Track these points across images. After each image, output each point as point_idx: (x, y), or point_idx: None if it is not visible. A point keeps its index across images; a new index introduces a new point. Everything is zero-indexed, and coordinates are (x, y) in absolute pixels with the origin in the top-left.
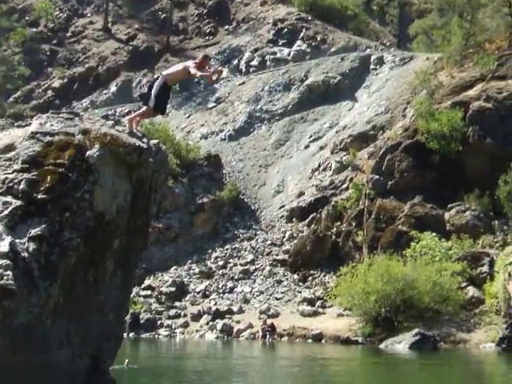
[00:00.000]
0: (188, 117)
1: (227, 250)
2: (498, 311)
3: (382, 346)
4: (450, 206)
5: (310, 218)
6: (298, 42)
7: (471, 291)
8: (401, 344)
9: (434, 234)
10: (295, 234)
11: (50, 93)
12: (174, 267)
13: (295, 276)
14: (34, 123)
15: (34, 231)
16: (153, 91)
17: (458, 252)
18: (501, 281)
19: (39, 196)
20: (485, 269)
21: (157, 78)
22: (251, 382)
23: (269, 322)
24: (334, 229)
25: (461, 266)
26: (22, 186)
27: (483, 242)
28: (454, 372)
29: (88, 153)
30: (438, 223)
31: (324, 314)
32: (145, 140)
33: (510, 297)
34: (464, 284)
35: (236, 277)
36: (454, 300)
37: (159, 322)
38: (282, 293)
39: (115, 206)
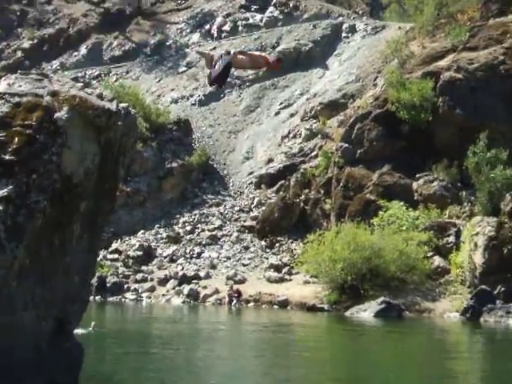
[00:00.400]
0: (158, 81)
1: (195, 215)
2: (463, 281)
3: (347, 313)
4: (418, 175)
5: (278, 184)
6: (271, 9)
7: (437, 261)
8: (366, 312)
9: (402, 203)
10: (263, 201)
11: (19, 53)
12: (142, 231)
13: (262, 242)
14: (2, 84)
15: (0, 192)
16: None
17: (424, 222)
18: (467, 251)
19: (6, 157)
20: (451, 239)
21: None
22: (217, 347)
23: (235, 287)
24: (303, 196)
25: (427, 236)
26: None
27: (450, 213)
28: (418, 340)
29: (56, 115)
30: (405, 193)
31: (290, 280)
32: (114, 103)
33: (475, 267)
34: (430, 254)
35: (203, 242)
36: (420, 269)
37: (126, 286)
38: (249, 259)
39: (83, 169)
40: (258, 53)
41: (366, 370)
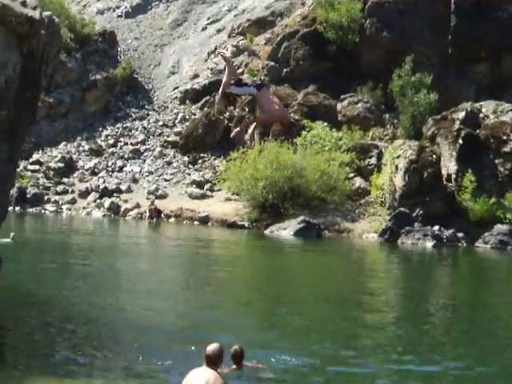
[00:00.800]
0: None
1: (118, 128)
2: (382, 203)
3: (267, 231)
4: (342, 96)
5: (203, 101)
6: None
7: (358, 182)
8: (286, 230)
9: (326, 123)
10: (187, 117)
11: None
12: (64, 143)
13: (185, 158)
14: None
15: None
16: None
17: (347, 143)
18: (387, 173)
19: None
20: (373, 161)
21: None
22: (137, 261)
23: (155, 205)
24: (227, 113)
25: (349, 157)
26: None
27: (373, 135)
28: (337, 259)
29: None
30: (330, 113)
31: (212, 197)
32: (38, 11)
33: (395, 189)
34: (351, 175)
35: (126, 156)
36: (341, 190)
37: (46, 198)
38: (172, 174)
39: (4, 78)
40: (280, 108)
41: (285, 287)
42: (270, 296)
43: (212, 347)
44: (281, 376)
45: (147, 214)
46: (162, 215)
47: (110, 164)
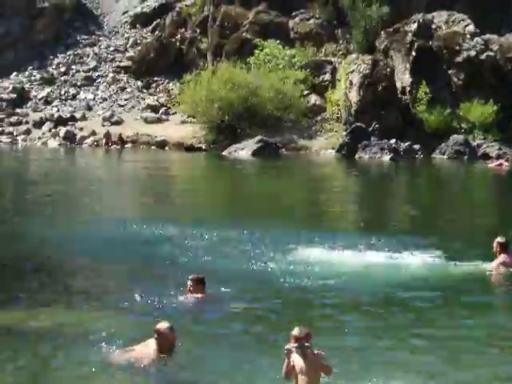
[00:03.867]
0: None
1: (69, 56)
2: (338, 119)
3: (225, 152)
4: (294, 13)
5: (154, 24)
6: None
7: (313, 99)
8: (243, 151)
9: (278, 41)
10: (139, 41)
11: None
12: (15, 73)
13: (139, 83)
14: None
15: None
16: None
17: (301, 60)
18: (342, 89)
19: None
20: (327, 77)
21: None
22: (99, 185)
23: (114, 133)
24: (179, 35)
25: (304, 74)
26: None
27: (326, 51)
28: (295, 174)
29: None
30: (282, 31)
31: (168, 121)
32: None
33: (350, 104)
34: (306, 92)
35: (79, 83)
36: (296, 107)
37: (0, 129)
38: (126, 100)
39: None
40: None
41: (244, 203)
42: (232, 210)
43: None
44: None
45: (103, 141)
46: (119, 144)
47: (63, 92)
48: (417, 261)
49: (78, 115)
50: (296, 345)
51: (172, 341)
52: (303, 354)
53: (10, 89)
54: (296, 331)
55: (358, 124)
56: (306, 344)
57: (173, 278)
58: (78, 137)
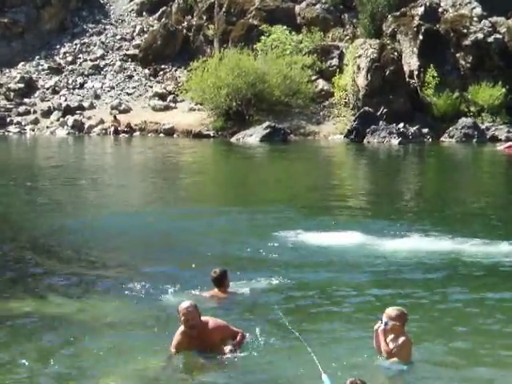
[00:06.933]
0: None
1: (76, 45)
2: (346, 104)
3: (233, 139)
4: None
5: (160, 11)
6: None
7: (321, 84)
8: (252, 137)
9: (285, 27)
10: (146, 29)
11: None
12: (22, 63)
13: (146, 71)
14: None
15: None
16: None
17: (308, 45)
18: (350, 74)
19: None
20: (334, 62)
21: None
22: (109, 174)
23: (119, 119)
24: (185, 23)
25: (311, 60)
26: None
27: (333, 35)
28: (305, 159)
29: None
30: (288, 16)
31: (175, 108)
32: None
33: (358, 89)
34: (314, 77)
35: (86, 72)
36: (304, 93)
37: (8, 120)
38: (133, 88)
39: None
40: None
41: (258, 187)
42: (243, 195)
43: None
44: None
45: (112, 130)
46: (128, 130)
47: (70, 81)
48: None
49: (85, 104)
50: (385, 321)
51: (186, 316)
52: (384, 332)
53: (18, 78)
54: (389, 310)
55: (366, 109)
56: (393, 323)
57: (185, 264)
58: (86, 126)
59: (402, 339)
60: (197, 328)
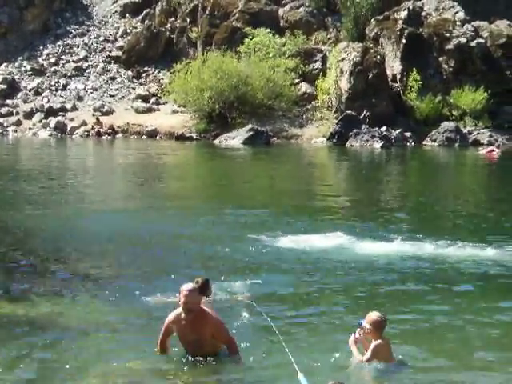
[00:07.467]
0: None
1: (59, 46)
2: (329, 107)
3: (216, 141)
4: (284, 1)
5: (143, 13)
6: None
7: (304, 87)
8: (235, 139)
9: (268, 30)
10: (129, 30)
11: None
12: (5, 64)
13: (129, 73)
14: None
15: None
16: None
17: (291, 48)
18: (333, 77)
19: None
20: (317, 65)
21: None
22: (95, 175)
23: (102, 120)
24: (169, 25)
25: (294, 63)
26: None
27: (316, 39)
28: (287, 162)
29: None
30: (272, 19)
31: (158, 110)
32: None
33: (341, 92)
34: (297, 80)
35: (69, 74)
36: (287, 96)
37: None
38: (116, 90)
39: None
40: None
41: (239, 189)
42: (228, 195)
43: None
44: None
45: (94, 131)
46: (110, 132)
47: (53, 83)
48: None
49: (68, 106)
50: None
51: (185, 298)
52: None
53: (0, 80)
54: (370, 314)
55: (349, 112)
56: (369, 327)
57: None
58: (68, 127)
59: (377, 342)
60: (193, 313)
